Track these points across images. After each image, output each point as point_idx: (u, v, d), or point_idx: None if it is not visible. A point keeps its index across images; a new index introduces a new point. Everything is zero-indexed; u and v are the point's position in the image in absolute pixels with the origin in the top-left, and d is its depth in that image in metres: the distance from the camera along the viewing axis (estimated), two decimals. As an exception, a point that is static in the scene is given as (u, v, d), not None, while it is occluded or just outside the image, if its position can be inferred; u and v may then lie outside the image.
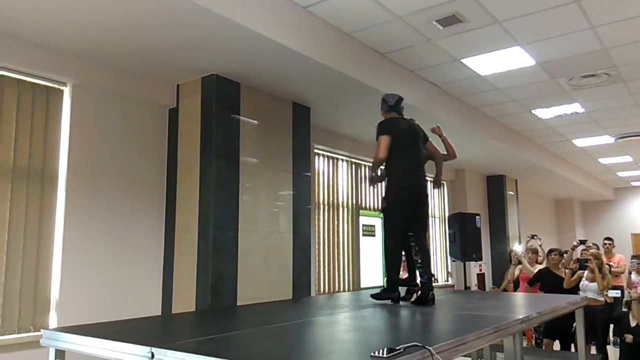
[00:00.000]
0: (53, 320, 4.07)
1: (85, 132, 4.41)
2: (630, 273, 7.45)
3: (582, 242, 7.52)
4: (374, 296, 3.84)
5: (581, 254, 6.86)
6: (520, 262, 7.15)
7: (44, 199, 4.13)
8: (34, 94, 4.15)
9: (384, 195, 3.90)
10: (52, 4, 3.48)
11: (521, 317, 3.01)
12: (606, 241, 8.13)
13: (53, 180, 4.21)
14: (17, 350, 3.76)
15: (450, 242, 8.45)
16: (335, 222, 7.02)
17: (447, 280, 9.70)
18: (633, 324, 5.53)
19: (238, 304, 4.57)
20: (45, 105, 4.21)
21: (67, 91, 4.34)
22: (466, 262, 8.33)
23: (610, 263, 7.37)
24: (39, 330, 3.36)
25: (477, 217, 8.68)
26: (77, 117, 4.35)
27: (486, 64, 5.52)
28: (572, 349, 5.67)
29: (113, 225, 4.51)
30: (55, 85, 4.28)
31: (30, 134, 4.10)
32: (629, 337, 5.56)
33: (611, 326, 6.32)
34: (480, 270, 9.75)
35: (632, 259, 7.43)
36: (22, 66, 4.01)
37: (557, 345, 6.01)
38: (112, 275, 4.45)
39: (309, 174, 5.80)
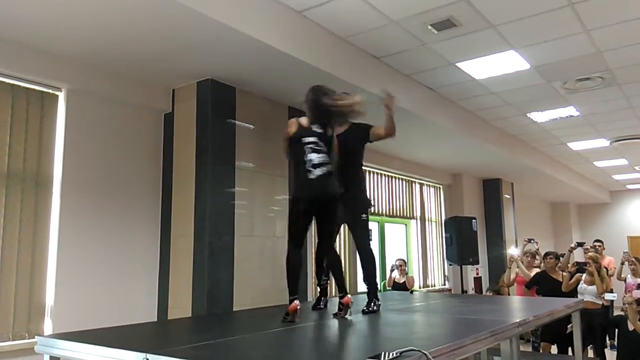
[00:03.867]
0: (48, 327, 4.04)
1: (80, 137, 4.39)
2: (625, 280, 7.48)
3: (580, 244, 7.53)
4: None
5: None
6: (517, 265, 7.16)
7: (39, 204, 4.11)
8: (29, 99, 4.13)
9: (366, 199, 3.95)
10: (46, 9, 3.47)
11: (518, 320, 3.01)
12: (596, 243, 8.16)
13: (48, 186, 4.19)
14: (11, 357, 3.73)
15: (447, 245, 8.44)
16: (332, 227, 7.00)
17: (444, 284, 9.70)
18: (631, 328, 5.53)
19: (234, 309, 4.55)
20: (40, 111, 4.20)
21: (62, 96, 4.32)
22: (463, 266, 8.32)
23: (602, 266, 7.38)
24: (34, 337, 3.33)
25: (473, 220, 8.68)
26: (72, 123, 4.34)
27: (481, 67, 5.53)
28: (570, 353, 5.66)
29: (108, 231, 4.49)
30: (50, 91, 4.26)
31: (25, 139, 4.08)
32: None
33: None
34: (477, 273, 9.75)
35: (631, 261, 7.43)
36: (17, 71, 3.99)
37: (554, 349, 6.01)
38: (108, 281, 4.43)
39: (305, 178, 5.78)
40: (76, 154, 4.34)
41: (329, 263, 3.50)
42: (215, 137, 4.66)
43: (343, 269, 3.51)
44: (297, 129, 3.32)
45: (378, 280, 3.87)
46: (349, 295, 3.33)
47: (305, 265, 5.51)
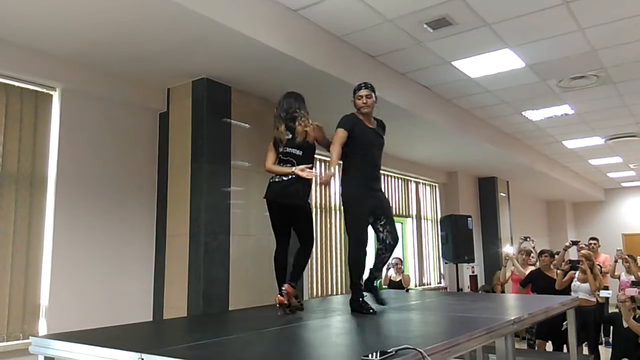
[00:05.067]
0: (42, 327, 4.03)
1: (75, 137, 4.37)
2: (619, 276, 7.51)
3: (575, 242, 7.55)
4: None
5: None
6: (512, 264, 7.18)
7: (33, 204, 4.09)
8: (23, 99, 4.11)
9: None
10: (41, 8, 3.46)
11: (513, 318, 3.02)
12: (591, 241, 8.19)
13: (42, 186, 4.17)
14: (5, 358, 3.72)
15: (442, 244, 8.47)
16: (328, 226, 7.02)
17: (440, 282, 9.72)
18: (626, 325, 5.56)
19: (230, 308, 4.54)
20: (34, 110, 4.18)
21: (56, 96, 4.31)
22: (458, 264, 8.35)
23: (597, 263, 7.42)
24: (28, 338, 3.32)
25: (469, 219, 8.71)
26: (67, 122, 4.32)
27: (476, 66, 5.54)
28: (565, 350, 5.69)
29: (103, 231, 4.48)
30: (44, 90, 4.24)
31: (19, 139, 4.06)
32: None
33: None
34: (473, 272, 9.78)
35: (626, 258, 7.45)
36: (10, 71, 3.97)
37: (549, 346, 6.03)
38: (103, 281, 4.41)
39: (301, 177, 5.77)
40: (71, 154, 4.32)
41: (293, 261, 3.67)
42: (211, 136, 4.65)
43: (300, 273, 3.70)
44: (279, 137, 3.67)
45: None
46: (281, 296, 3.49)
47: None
